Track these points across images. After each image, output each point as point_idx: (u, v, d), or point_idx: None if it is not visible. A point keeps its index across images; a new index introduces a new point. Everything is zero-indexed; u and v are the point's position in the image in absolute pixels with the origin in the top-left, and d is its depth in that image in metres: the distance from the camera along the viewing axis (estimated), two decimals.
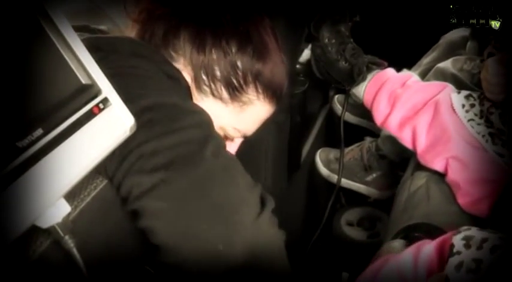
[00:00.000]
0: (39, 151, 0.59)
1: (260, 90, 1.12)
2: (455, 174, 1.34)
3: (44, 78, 0.64)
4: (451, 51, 1.92)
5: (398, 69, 2.10)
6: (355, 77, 1.53)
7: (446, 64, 1.78)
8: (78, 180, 0.66)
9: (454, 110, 1.36)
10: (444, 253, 0.92)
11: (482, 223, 1.22)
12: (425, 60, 2.03)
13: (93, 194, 0.80)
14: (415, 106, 1.43)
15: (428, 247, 0.99)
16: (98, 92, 0.69)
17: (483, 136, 1.30)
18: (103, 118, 0.69)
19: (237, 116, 1.13)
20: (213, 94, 1.09)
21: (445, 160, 1.35)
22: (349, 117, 2.13)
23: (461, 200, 1.33)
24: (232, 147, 1.18)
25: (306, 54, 1.70)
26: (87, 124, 0.67)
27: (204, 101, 1.09)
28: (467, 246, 0.89)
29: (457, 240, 0.91)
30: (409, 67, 2.09)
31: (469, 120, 1.33)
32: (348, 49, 1.54)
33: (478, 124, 1.32)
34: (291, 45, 1.47)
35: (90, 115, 0.67)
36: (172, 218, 0.86)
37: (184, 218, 0.87)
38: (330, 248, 2.04)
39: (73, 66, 0.67)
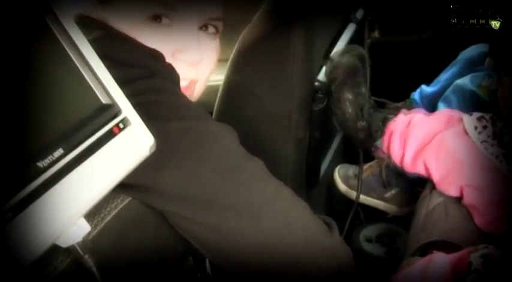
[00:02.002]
0: (59, 171, 0.60)
1: None
2: (470, 199, 1.33)
3: (64, 99, 0.64)
4: (469, 67, 1.91)
5: (417, 86, 2.10)
6: (373, 134, 1.54)
7: (465, 80, 1.78)
8: (99, 200, 0.67)
9: (466, 132, 1.35)
10: (460, 270, 0.91)
11: (501, 241, 1.21)
12: (444, 76, 2.03)
13: (113, 213, 0.81)
14: (424, 140, 1.43)
15: (440, 261, 0.99)
16: (118, 112, 0.70)
17: (497, 157, 1.29)
18: (123, 138, 0.70)
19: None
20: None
21: (459, 188, 1.34)
22: None
23: (478, 220, 1.32)
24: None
25: (324, 71, 1.71)
26: (107, 144, 0.67)
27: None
28: (485, 264, 0.89)
29: (475, 258, 0.91)
30: (428, 83, 2.09)
31: (482, 142, 1.32)
32: (366, 108, 1.55)
33: (492, 145, 1.31)
34: (309, 63, 1.48)
35: (110, 135, 0.68)
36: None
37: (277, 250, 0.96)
38: None
39: (93, 86, 0.68)
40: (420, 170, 1.45)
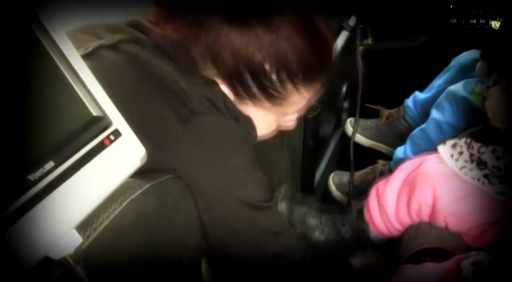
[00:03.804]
0: (50, 184, 0.60)
1: (302, 87, 1.08)
2: (455, 228, 1.32)
3: (55, 111, 0.64)
4: (462, 73, 1.92)
5: (410, 92, 2.11)
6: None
7: (458, 87, 1.78)
8: (90, 212, 0.67)
9: (443, 162, 1.35)
10: (451, 278, 0.92)
11: (493, 248, 1.22)
12: (437, 82, 2.03)
13: (105, 223, 0.81)
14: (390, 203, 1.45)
15: (431, 269, 0.99)
16: (109, 124, 0.70)
17: (478, 180, 1.28)
18: (114, 149, 0.70)
19: (284, 109, 1.13)
20: (254, 104, 1.09)
21: (443, 221, 1.33)
22: (362, 140, 2.14)
23: (466, 239, 1.32)
24: (290, 123, 1.23)
25: None
26: (98, 156, 0.67)
27: (247, 107, 1.10)
28: (476, 271, 0.89)
29: (466, 265, 0.91)
30: (421, 89, 2.09)
31: (461, 168, 1.31)
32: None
33: (471, 170, 1.30)
34: None
35: (101, 147, 0.68)
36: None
37: None
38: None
39: (84, 98, 0.68)
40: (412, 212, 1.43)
